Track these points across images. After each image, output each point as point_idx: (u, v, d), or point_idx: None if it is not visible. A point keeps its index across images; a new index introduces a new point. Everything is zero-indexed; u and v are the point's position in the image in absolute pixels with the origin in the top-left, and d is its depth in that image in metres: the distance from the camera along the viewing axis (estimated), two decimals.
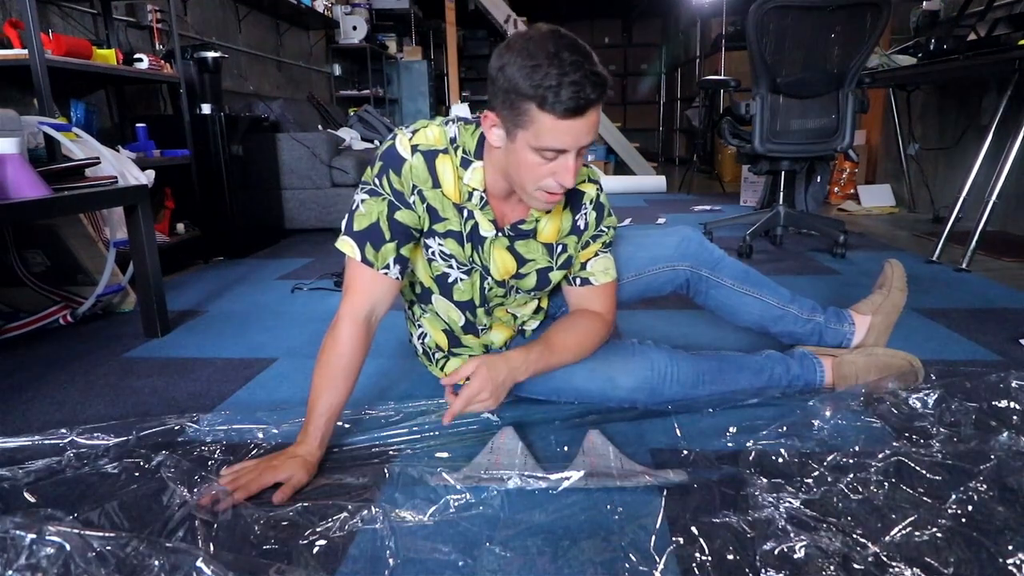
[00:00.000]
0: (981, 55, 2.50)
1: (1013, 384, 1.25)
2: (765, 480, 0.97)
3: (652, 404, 1.22)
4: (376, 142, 4.13)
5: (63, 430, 1.18)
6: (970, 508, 0.89)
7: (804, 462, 1.03)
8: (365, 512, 0.90)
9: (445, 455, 1.10)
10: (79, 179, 1.73)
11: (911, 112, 3.68)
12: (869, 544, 0.82)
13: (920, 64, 2.94)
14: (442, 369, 1.29)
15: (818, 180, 3.08)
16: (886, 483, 0.96)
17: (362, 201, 1.06)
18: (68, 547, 0.78)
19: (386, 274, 1.07)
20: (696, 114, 6.55)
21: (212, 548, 0.84)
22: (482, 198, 1.07)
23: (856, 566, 0.79)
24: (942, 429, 1.12)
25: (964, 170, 2.68)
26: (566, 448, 1.12)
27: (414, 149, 1.04)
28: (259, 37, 4.42)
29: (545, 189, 0.98)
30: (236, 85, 4.00)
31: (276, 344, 1.72)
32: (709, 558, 0.81)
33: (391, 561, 0.82)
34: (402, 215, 1.06)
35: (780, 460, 1.04)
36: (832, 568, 0.79)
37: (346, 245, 1.07)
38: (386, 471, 1.04)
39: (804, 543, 0.82)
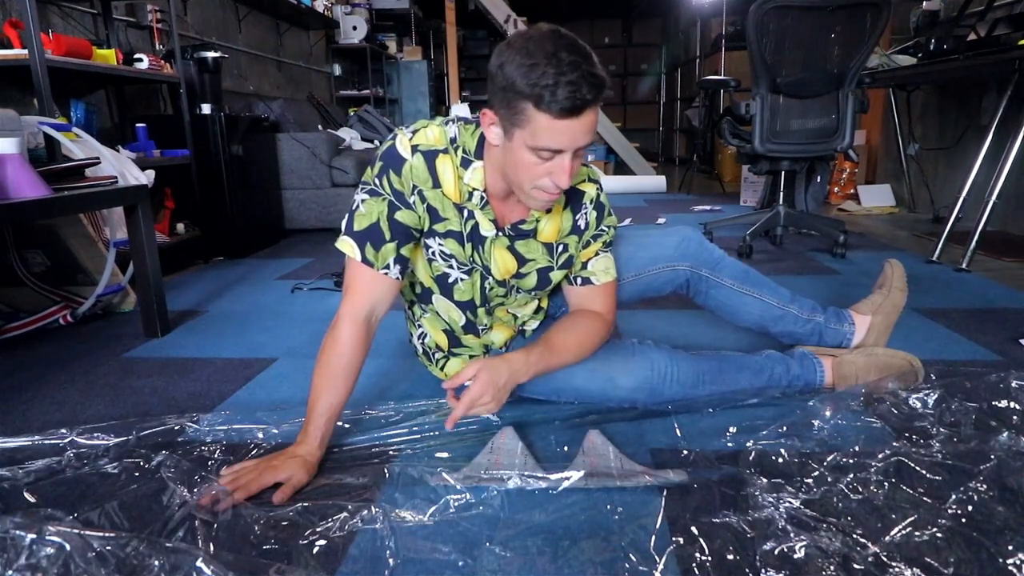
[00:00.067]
0: (981, 55, 2.50)
1: (1013, 384, 1.25)
2: (765, 480, 0.97)
3: (652, 404, 1.22)
4: (376, 142, 4.13)
5: (63, 430, 1.18)
6: (970, 508, 0.89)
7: (804, 462, 1.03)
8: (365, 512, 0.90)
9: (445, 455, 1.10)
10: (79, 179, 1.73)
11: (911, 112, 3.68)
12: (869, 544, 0.82)
13: (920, 64, 2.94)
14: (442, 369, 1.29)
15: (818, 180, 3.08)
16: (886, 483, 0.96)
17: (362, 201, 1.06)
18: (68, 547, 0.78)
19: (386, 274, 1.07)
20: (696, 114, 6.55)
21: (212, 548, 0.84)
22: (482, 198, 1.07)
23: (856, 566, 0.79)
24: (942, 429, 1.12)
25: (964, 170, 2.68)
26: (566, 448, 1.12)
27: (414, 149, 1.04)
28: (259, 37, 4.42)
29: (541, 189, 0.98)
30: (236, 85, 4.00)
31: (276, 344, 1.72)
32: (709, 558, 0.81)
33: (391, 561, 0.82)
34: (402, 215, 1.06)
35: (780, 460, 1.04)
36: (832, 568, 0.79)
37: (346, 245, 1.07)
38: (386, 471, 1.04)
39: (804, 543, 0.82)
